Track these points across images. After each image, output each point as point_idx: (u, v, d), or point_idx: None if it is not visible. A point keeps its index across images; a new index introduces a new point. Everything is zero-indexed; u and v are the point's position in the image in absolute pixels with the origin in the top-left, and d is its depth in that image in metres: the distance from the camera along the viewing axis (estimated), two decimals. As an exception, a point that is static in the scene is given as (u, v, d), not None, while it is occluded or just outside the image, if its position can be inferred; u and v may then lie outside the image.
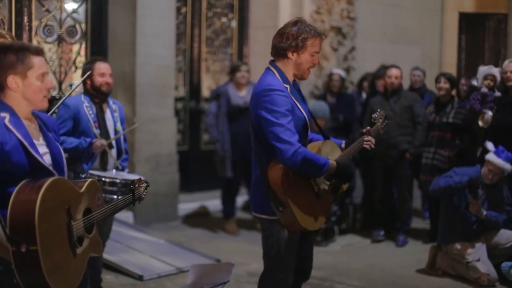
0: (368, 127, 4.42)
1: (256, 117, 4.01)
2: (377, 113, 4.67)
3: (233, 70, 8.39)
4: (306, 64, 4.08)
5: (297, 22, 4.07)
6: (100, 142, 5.28)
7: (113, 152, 5.54)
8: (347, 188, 8.24)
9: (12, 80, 3.11)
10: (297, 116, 4.03)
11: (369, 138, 4.35)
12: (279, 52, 4.08)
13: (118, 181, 5.06)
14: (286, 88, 4.02)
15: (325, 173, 4.03)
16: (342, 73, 9.09)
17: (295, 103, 4.03)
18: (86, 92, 5.49)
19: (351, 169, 4.18)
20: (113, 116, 5.58)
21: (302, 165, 3.89)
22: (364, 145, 4.33)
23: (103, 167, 5.45)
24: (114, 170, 5.46)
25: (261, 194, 4.07)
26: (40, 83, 3.16)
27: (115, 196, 4.95)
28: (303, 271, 4.40)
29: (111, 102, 5.64)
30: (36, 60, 3.15)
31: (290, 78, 4.10)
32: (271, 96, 3.93)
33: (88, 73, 5.30)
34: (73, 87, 4.96)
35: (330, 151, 4.20)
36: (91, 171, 5.27)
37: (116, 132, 5.57)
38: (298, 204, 3.98)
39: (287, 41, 4.03)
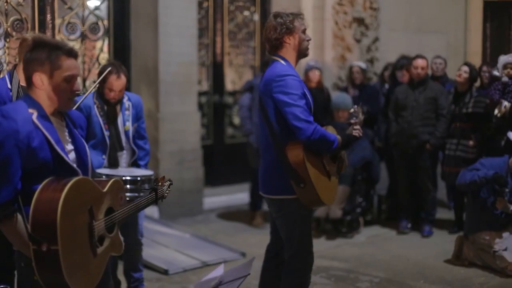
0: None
1: (269, 103, 4.22)
2: (354, 111, 4.61)
3: (266, 64, 8.25)
4: (303, 41, 4.31)
5: (277, 13, 4.32)
6: None
7: (125, 153, 5.42)
8: (371, 181, 8.21)
9: (38, 77, 3.12)
10: (308, 101, 4.25)
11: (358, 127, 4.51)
12: (276, 44, 4.31)
13: (128, 179, 4.90)
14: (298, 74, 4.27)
15: (336, 149, 4.27)
16: (362, 65, 8.99)
17: (305, 88, 4.26)
18: (98, 93, 5.34)
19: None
20: (123, 115, 5.40)
21: (320, 141, 4.15)
22: (354, 132, 4.46)
23: (115, 166, 5.32)
24: (123, 168, 5.35)
25: (279, 175, 4.27)
26: (65, 84, 3.13)
27: (136, 194, 4.84)
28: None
29: (125, 99, 5.42)
30: (66, 61, 3.14)
31: (294, 65, 4.32)
32: (286, 80, 4.16)
33: (100, 79, 5.11)
34: (87, 91, 4.87)
35: (332, 132, 4.41)
36: (98, 170, 4.98)
37: (125, 132, 5.40)
38: (317, 181, 4.20)
39: (278, 30, 4.26)
